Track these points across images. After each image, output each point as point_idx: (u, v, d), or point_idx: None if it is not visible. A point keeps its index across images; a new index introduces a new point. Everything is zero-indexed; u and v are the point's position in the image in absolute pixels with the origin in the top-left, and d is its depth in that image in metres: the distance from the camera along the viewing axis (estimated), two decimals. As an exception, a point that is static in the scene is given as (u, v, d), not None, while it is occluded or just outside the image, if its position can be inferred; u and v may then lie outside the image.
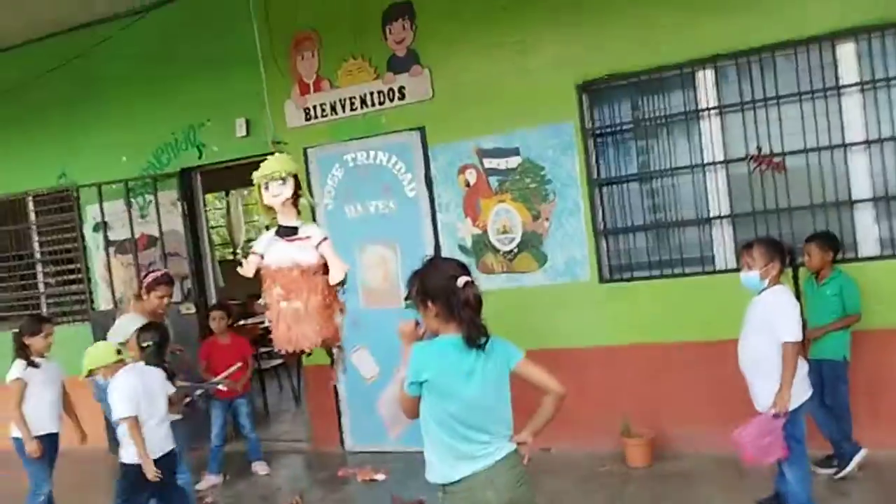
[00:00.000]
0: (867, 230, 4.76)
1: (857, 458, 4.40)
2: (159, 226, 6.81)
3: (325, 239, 4.47)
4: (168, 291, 5.22)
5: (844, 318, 4.47)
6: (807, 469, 3.79)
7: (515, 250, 5.61)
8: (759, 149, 4.93)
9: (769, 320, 3.66)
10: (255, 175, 4.79)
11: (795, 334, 3.61)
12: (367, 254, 6.13)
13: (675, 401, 5.19)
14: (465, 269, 2.65)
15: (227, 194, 12.72)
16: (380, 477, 5.45)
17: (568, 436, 5.38)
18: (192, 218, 6.90)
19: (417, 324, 2.80)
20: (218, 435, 5.85)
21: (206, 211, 7.27)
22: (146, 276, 5.30)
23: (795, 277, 3.90)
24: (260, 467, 6.01)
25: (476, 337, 2.56)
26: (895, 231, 4.71)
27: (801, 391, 3.69)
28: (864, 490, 4.21)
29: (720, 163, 5.07)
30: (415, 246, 5.90)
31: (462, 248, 5.77)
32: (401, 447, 5.74)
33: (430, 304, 2.63)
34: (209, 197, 12.50)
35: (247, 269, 4.34)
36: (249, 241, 13.96)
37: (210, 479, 5.80)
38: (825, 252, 4.51)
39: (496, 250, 5.67)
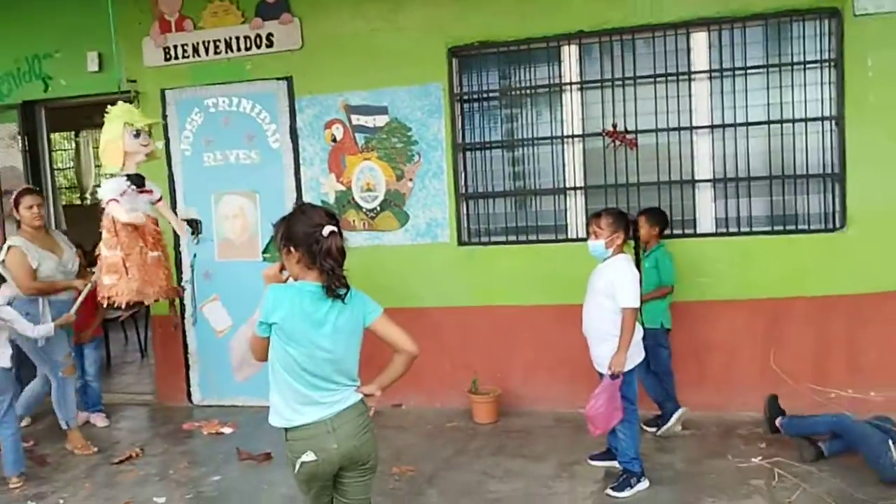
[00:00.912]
0: (706, 208, 5.12)
1: (676, 415, 4.77)
2: (-6, 161, 6.30)
3: (161, 198, 4.81)
4: (36, 200, 5.03)
5: (659, 289, 4.77)
6: (637, 427, 4.08)
7: (378, 209, 5.62)
8: (615, 125, 5.16)
9: (611, 287, 3.88)
10: (133, 118, 4.63)
11: (634, 301, 3.86)
12: (224, 204, 5.94)
13: (524, 361, 5.42)
14: (332, 219, 2.62)
15: (76, 135, 11.91)
16: (227, 430, 5.36)
17: (419, 392, 5.55)
18: (33, 155, 6.41)
19: (282, 269, 2.76)
20: (80, 376, 5.60)
21: (52, 150, 6.77)
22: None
23: (637, 248, 4.16)
24: (98, 419, 5.77)
25: (336, 287, 2.56)
26: (729, 211, 5.08)
27: (636, 354, 3.96)
28: (687, 447, 4.57)
29: (578, 136, 5.27)
30: (276, 198, 5.77)
31: (324, 204, 5.69)
32: (249, 401, 5.71)
33: (292, 249, 2.60)
34: (56, 136, 11.64)
35: (135, 217, 4.50)
36: (97, 186, 13.22)
37: (80, 416, 5.45)
38: (652, 226, 4.76)
39: (359, 208, 5.65)
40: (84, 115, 10.42)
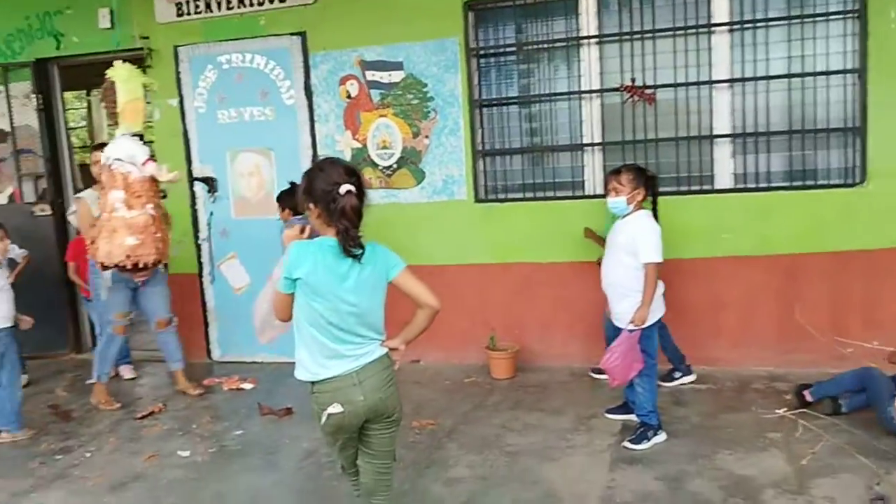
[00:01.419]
0: (724, 164, 5.07)
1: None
2: (10, 119, 6.28)
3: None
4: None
5: None
6: (655, 381, 4.11)
7: (394, 166, 5.60)
8: (633, 80, 5.10)
9: (633, 243, 3.88)
10: (143, 81, 4.68)
11: (657, 256, 3.86)
12: (239, 161, 5.94)
13: (540, 318, 5.44)
14: (353, 176, 2.59)
15: (88, 93, 11.85)
16: (247, 386, 5.44)
17: (437, 349, 5.59)
18: (48, 113, 6.40)
19: (303, 230, 2.78)
20: (100, 333, 5.65)
21: (65, 110, 6.74)
22: None
23: (655, 204, 4.14)
24: (126, 370, 5.90)
25: (349, 248, 2.55)
26: (748, 166, 5.04)
27: (658, 309, 3.97)
28: (703, 401, 4.61)
29: (595, 91, 5.21)
30: (291, 156, 5.76)
31: (340, 162, 5.68)
32: (269, 357, 5.78)
33: (312, 205, 2.61)
34: (68, 95, 11.59)
35: (174, 176, 4.66)
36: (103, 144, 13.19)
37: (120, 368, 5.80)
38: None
39: (375, 165, 5.63)
40: (96, 74, 10.35)
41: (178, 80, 5.92)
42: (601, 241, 4.88)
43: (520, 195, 5.45)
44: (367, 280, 2.63)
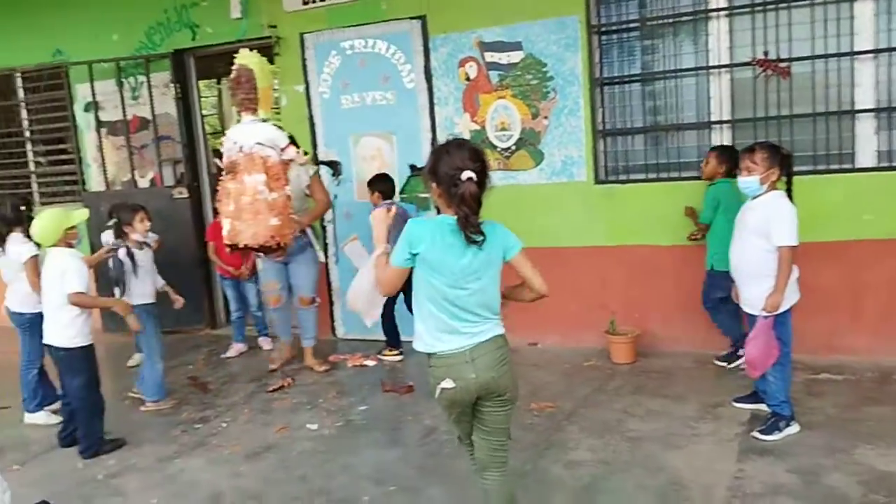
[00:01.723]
0: (867, 141, 4.75)
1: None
2: (152, 108, 6.69)
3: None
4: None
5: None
6: (789, 370, 3.92)
7: (513, 147, 5.58)
8: (766, 53, 4.85)
9: (766, 224, 3.70)
10: (271, 68, 4.87)
11: (793, 239, 3.66)
12: (362, 145, 6.09)
13: (662, 302, 5.31)
14: (477, 161, 2.61)
15: (218, 82, 12.44)
16: (370, 363, 5.60)
17: (555, 332, 5.57)
18: (185, 101, 6.78)
19: (389, 210, 2.87)
20: (236, 308, 6.18)
21: (200, 98, 7.12)
22: None
23: (790, 184, 3.92)
24: (265, 342, 6.29)
25: (469, 234, 2.58)
26: (893, 143, 4.70)
27: (792, 294, 3.78)
28: (839, 392, 4.37)
29: (725, 66, 4.99)
30: (412, 139, 5.85)
31: (459, 144, 5.72)
32: (391, 336, 5.91)
33: (434, 185, 2.66)
34: (200, 84, 12.24)
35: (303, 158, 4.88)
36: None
37: (235, 347, 6.18)
38: (720, 164, 4.73)
39: (493, 147, 5.63)
40: (226, 63, 10.88)
41: (304, 66, 6.12)
42: (697, 220, 4.96)
43: (642, 176, 5.31)
44: (484, 259, 2.65)
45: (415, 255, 2.63)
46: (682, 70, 5.12)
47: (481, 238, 2.60)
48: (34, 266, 4.59)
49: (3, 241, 4.69)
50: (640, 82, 5.28)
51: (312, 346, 5.66)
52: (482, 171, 2.62)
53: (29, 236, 4.59)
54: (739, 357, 4.76)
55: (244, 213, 4.64)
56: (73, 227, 4.24)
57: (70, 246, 4.27)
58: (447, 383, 2.65)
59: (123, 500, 3.71)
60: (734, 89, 5.01)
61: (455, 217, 2.59)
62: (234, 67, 4.83)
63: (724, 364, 4.93)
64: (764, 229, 3.70)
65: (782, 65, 4.83)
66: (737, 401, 4.26)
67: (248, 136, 4.74)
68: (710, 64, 5.02)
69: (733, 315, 4.70)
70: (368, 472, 3.84)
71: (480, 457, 2.83)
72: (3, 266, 4.76)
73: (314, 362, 5.60)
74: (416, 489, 3.61)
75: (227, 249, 5.06)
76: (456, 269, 2.60)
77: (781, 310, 3.72)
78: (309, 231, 5.45)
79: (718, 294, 4.75)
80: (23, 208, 4.74)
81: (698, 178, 5.10)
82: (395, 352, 5.66)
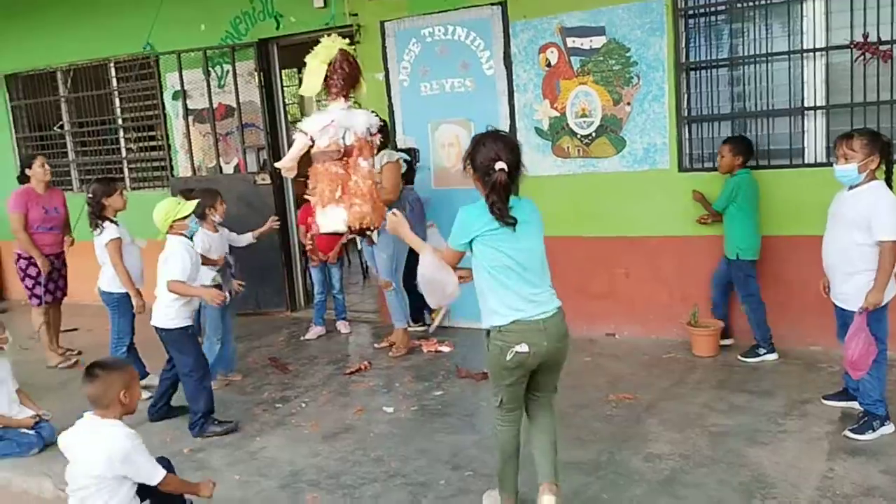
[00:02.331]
0: (975, 127, 4.48)
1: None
2: (237, 96, 6.87)
3: None
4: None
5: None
6: (885, 368, 3.74)
7: (593, 135, 5.48)
8: (866, 36, 4.61)
9: (866, 217, 3.53)
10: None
11: (894, 232, 3.48)
12: (440, 132, 6.09)
13: (747, 294, 5.13)
14: (510, 152, 2.84)
15: (299, 71, 12.69)
16: (445, 349, 5.62)
17: (633, 322, 5.48)
18: (268, 89, 6.92)
19: (394, 213, 3.22)
20: (320, 291, 6.31)
21: (283, 87, 7.25)
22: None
23: (890, 173, 3.72)
24: (343, 326, 6.40)
25: (499, 218, 2.82)
26: None
27: (890, 289, 3.60)
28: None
29: (820, 50, 4.77)
30: (490, 126, 5.81)
31: (538, 131, 5.67)
32: (462, 323, 5.92)
33: (471, 171, 2.92)
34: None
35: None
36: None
37: (315, 330, 6.30)
38: (735, 156, 4.77)
39: (573, 134, 5.55)
40: (306, 52, 11.07)
41: (384, 54, 6.16)
42: (709, 206, 4.98)
43: (728, 164, 5.14)
44: (531, 228, 2.93)
45: (471, 240, 2.89)
46: (773, 54, 4.92)
47: (513, 221, 2.83)
48: (116, 248, 4.85)
49: (99, 224, 4.89)
50: (727, 67, 5.10)
51: (403, 328, 5.73)
52: (515, 163, 2.86)
53: (114, 220, 4.87)
54: (760, 354, 4.82)
55: (364, 196, 4.62)
56: (182, 218, 4.36)
57: (182, 234, 4.40)
58: (522, 347, 2.86)
59: (209, 473, 3.83)
60: (829, 73, 4.79)
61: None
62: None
63: (746, 360, 4.86)
64: (864, 222, 3.53)
65: (883, 48, 4.58)
66: (826, 398, 4.10)
67: (355, 120, 4.74)
68: (805, 47, 4.81)
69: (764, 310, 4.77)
70: (444, 456, 3.86)
71: (533, 411, 3.13)
72: (97, 248, 4.97)
73: (400, 345, 5.66)
74: (493, 475, 3.59)
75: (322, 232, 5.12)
76: (514, 241, 2.86)
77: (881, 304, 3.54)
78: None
79: (752, 286, 4.79)
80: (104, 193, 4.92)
81: (790, 165, 4.92)
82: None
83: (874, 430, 3.68)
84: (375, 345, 5.98)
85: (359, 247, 6.23)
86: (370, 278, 8.38)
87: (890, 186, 3.68)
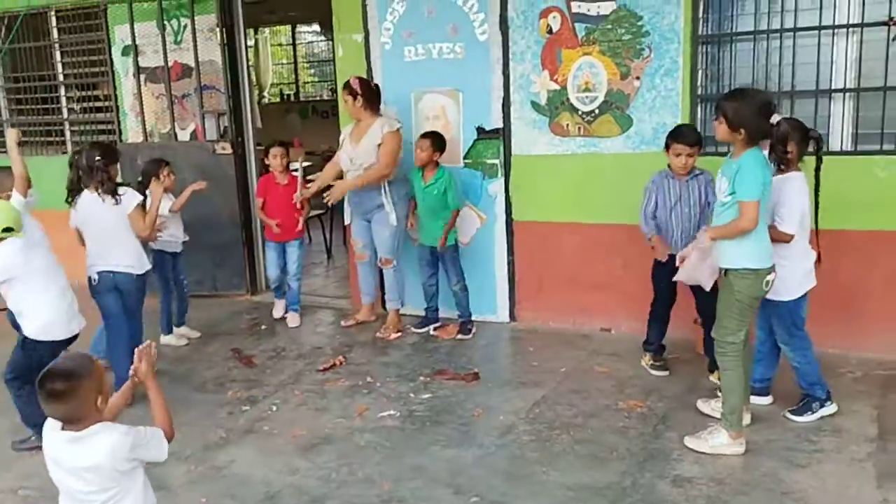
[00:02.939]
0: None
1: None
2: (195, 54, 6.16)
3: None
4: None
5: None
6: (811, 353, 3.75)
7: (597, 111, 5.00)
8: (907, 12, 4.22)
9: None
10: None
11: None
12: (424, 103, 5.53)
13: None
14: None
15: (255, 31, 11.90)
16: (464, 337, 5.21)
17: (631, 318, 5.08)
18: (230, 48, 6.24)
19: None
20: (277, 277, 5.77)
21: (248, 46, 6.57)
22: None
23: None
24: (292, 318, 5.74)
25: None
26: None
27: (807, 281, 3.67)
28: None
29: (854, 26, 4.36)
30: (481, 98, 5.29)
31: (535, 106, 5.16)
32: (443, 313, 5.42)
33: (743, 133, 3.21)
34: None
35: None
36: (275, 84, 13.32)
37: (280, 304, 5.87)
38: (434, 151, 4.97)
39: (574, 110, 5.05)
40: (266, 10, 10.31)
41: (364, 13, 5.54)
42: None
43: (746, 148, 4.72)
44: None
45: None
46: (800, 29, 4.49)
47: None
48: (141, 214, 4.38)
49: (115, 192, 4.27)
50: (750, 40, 4.65)
51: (395, 309, 5.42)
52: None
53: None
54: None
55: None
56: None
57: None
58: (771, 276, 3.35)
59: (169, 496, 3.27)
60: (862, 53, 4.38)
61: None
62: None
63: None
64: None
65: (924, 26, 4.20)
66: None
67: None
68: (837, 22, 4.39)
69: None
70: (444, 476, 3.38)
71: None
72: (109, 222, 4.29)
73: (390, 326, 5.34)
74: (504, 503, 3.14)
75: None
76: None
77: (795, 296, 3.63)
78: (383, 192, 5.11)
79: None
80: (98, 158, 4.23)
81: (813, 153, 4.51)
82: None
83: (813, 412, 3.71)
84: (342, 322, 5.61)
85: (346, 221, 5.63)
86: (334, 258, 7.82)
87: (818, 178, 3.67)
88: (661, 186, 4.25)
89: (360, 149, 5.12)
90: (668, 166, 4.25)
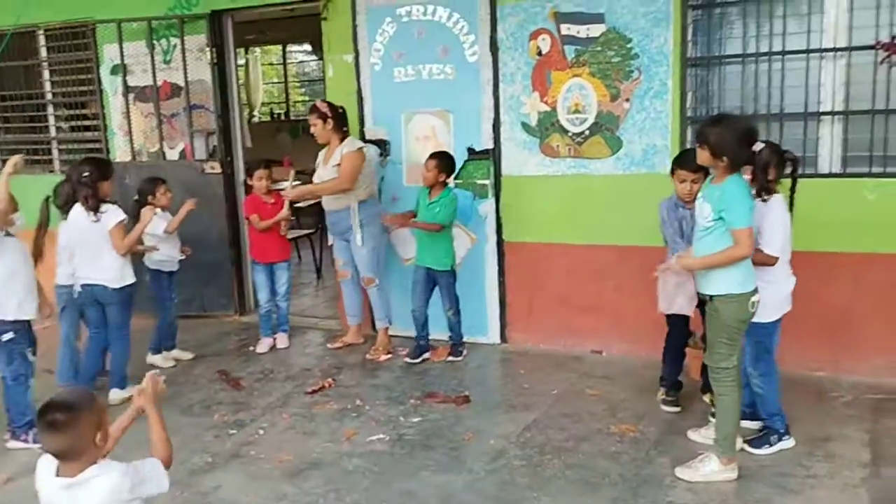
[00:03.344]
0: None
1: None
2: (185, 73, 6.14)
3: None
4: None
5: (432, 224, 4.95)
6: (777, 383, 3.72)
7: (587, 133, 5.00)
8: (895, 37, 4.24)
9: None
10: None
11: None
12: (414, 124, 5.52)
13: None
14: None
15: (246, 51, 11.91)
16: (455, 359, 5.17)
17: (622, 340, 5.07)
18: (220, 68, 6.22)
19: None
20: (267, 299, 5.62)
21: (237, 66, 6.55)
22: None
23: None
24: (281, 339, 5.66)
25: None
26: None
27: (783, 305, 3.65)
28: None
29: (842, 50, 4.39)
30: (471, 119, 5.29)
31: (525, 127, 5.16)
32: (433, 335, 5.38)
33: (726, 161, 3.19)
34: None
35: None
36: (265, 103, 13.31)
37: (265, 342, 5.61)
38: (440, 172, 4.93)
39: (564, 131, 5.06)
40: (257, 30, 10.33)
41: (355, 34, 5.54)
42: None
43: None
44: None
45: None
46: (788, 52, 4.52)
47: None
48: (122, 231, 4.49)
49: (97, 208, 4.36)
50: (738, 63, 4.68)
51: (384, 328, 5.42)
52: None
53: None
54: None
55: None
56: None
57: None
58: (756, 297, 3.31)
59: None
60: (850, 76, 4.41)
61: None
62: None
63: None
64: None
65: (911, 50, 4.23)
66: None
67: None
68: (824, 46, 4.42)
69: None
70: (433, 501, 3.34)
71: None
72: (92, 235, 4.42)
73: (379, 347, 5.32)
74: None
75: None
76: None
77: (770, 319, 3.58)
78: (351, 212, 5.14)
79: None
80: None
81: (802, 175, 4.51)
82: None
83: (771, 445, 3.64)
84: (329, 345, 5.56)
85: (329, 242, 5.58)
86: (323, 278, 7.77)
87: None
88: (673, 214, 4.06)
89: (327, 169, 5.19)
90: (676, 193, 4.06)
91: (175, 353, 5.42)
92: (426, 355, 5.21)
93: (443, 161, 5.00)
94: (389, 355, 5.27)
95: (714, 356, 3.41)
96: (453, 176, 5.33)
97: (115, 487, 2.10)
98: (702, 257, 3.34)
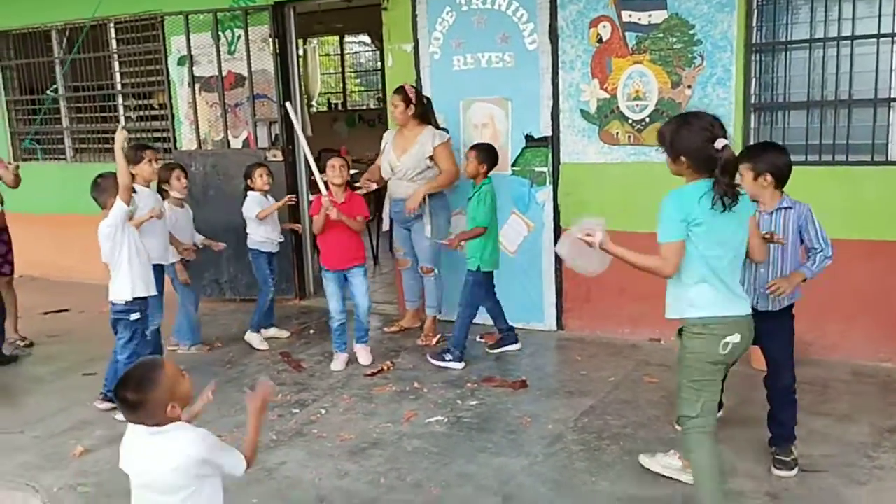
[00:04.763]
0: None
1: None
2: (248, 64, 6.30)
3: None
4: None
5: (474, 229, 4.75)
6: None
7: (647, 120, 4.97)
8: (970, 19, 4.12)
9: None
10: None
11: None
12: (473, 111, 5.56)
13: (814, 304, 4.62)
14: (722, 129, 2.73)
15: (304, 41, 12.08)
16: (512, 348, 5.15)
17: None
18: (283, 58, 6.35)
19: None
20: (340, 311, 4.91)
21: (299, 56, 6.67)
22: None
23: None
24: (363, 352, 5.03)
25: (724, 200, 2.67)
26: None
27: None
28: None
29: (914, 33, 4.27)
30: (530, 106, 5.30)
31: (584, 114, 5.15)
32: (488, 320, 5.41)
33: (682, 159, 2.78)
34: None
35: None
36: (322, 93, 13.51)
37: (341, 357, 4.97)
38: (480, 163, 4.74)
39: (624, 118, 5.03)
40: (316, 21, 10.49)
41: (414, 23, 5.60)
42: None
43: (801, 158, 4.60)
44: (742, 217, 2.80)
45: (690, 224, 2.69)
46: (857, 37, 4.41)
47: (736, 204, 2.69)
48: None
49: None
50: (805, 48, 4.59)
51: (432, 316, 5.49)
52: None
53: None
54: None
55: None
56: None
57: None
58: (734, 338, 2.75)
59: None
60: (923, 61, 4.30)
61: (710, 182, 2.68)
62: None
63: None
64: None
65: None
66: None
67: None
68: (895, 31, 4.30)
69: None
70: (492, 483, 3.38)
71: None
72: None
73: (429, 333, 5.40)
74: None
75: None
76: (727, 230, 2.72)
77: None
78: (426, 203, 5.16)
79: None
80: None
81: (870, 162, 4.43)
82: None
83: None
84: (385, 328, 5.71)
85: (384, 227, 5.78)
86: (381, 264, 7.88)
87: None
88: None
89: (406, 158, 5.18)
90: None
91: (273, 331, 5.62)
92: (509, 347, 5.11)
93: (482, 152, 4.78)
94: (438, 337, 5.35)
95: (679, 399, 2.91)
96: (510, 164, 5.37)
97: (194, 440, 2.24)
98: (624, 249, 2.92)
